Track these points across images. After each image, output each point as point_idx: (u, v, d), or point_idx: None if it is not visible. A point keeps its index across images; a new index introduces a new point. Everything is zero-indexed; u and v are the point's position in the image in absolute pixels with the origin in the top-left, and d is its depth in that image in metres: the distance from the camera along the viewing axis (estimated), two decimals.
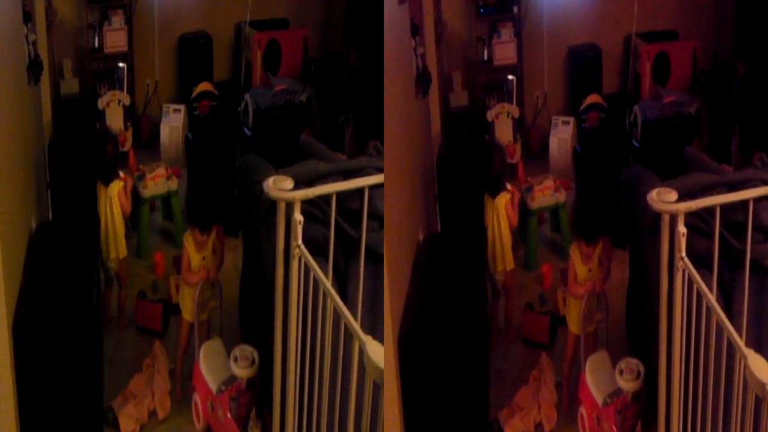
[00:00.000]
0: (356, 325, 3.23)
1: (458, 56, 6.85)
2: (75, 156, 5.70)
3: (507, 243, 5.31)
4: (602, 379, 4.54)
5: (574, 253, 4.79)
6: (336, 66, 6.55)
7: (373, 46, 4.19)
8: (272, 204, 3.79)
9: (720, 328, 3.45)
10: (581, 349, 4.72)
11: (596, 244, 4.76)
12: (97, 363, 4.48)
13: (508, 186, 5.39)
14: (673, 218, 3.70)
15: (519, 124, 6.50)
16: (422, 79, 5.55)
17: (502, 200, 5.30)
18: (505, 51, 6.68)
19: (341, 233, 4.06)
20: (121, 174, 5.41)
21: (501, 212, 5.30)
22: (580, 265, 4.75)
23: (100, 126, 6.06)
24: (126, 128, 6.22)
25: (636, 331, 4.82)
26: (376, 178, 3.87)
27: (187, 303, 4.78)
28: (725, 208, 3.84)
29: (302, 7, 7.08)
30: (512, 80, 6.52)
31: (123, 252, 5.34)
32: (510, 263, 5.35)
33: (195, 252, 4.72)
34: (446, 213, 5.91)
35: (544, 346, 5.19)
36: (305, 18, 7.04)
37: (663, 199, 3.73)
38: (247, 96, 6.12)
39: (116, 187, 5.31)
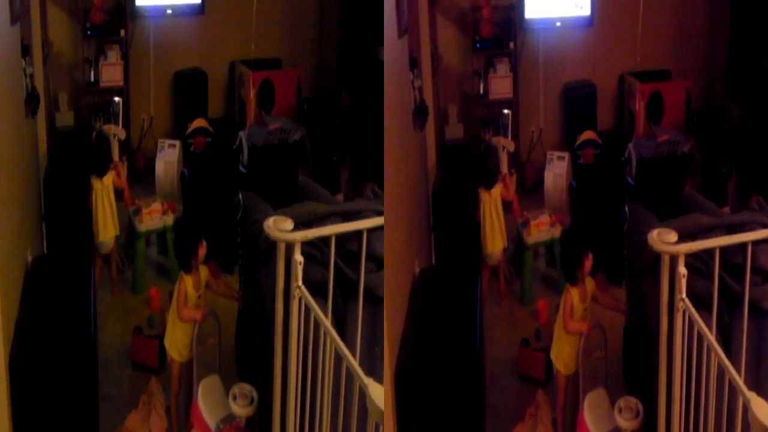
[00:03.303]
0: (358, 367, 3.22)
1: (454, 89, 6.89)
2: (70, 188, 5.70)
3: (502, 226, 5.71)
4: (600, 416, 4.52)
5: (573, 289, 4.76)
6: (329, 106, 6.58)
7: (369, 86, 4.21)
8: (271, 243, 3.78)
9: (720, 370, 3.46)
10: (580, 385, 4.67)
11: (582, 284, 4.72)
12: (93, 399, 4.47)
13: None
14: (674, 259, 3.71)
15: (514, 158, 6.52)
16: (419, 112, 5.56)
17: (497, 190, 5.71)
18: (500, 85, 6.71)
19: (340, 275, 4.06)
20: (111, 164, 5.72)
21: (497, 201, 5.67)
22: (578, 303, 4.72)
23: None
24: (121, 162, 6.21)
25: (634, 369, 4.82)
26: (375, 221, 3.88)
27: (178, 341, 4.71)
28: (724, 250, 3.86)
29: (295, 48, 7.16)
30: (508, 114, 6.53)
31: (115, 231, 5.62)
32: (502, 243, 5.73)
33: (192, 289, 4.69)
34: (441, 245, 5.91)
35: (540, 382, 5.17)
36: (298, 58, 7.10)
37: (663, 239, 3.74)
38: (241, 134, 6.08)
39: (110, 177, 5.61)
